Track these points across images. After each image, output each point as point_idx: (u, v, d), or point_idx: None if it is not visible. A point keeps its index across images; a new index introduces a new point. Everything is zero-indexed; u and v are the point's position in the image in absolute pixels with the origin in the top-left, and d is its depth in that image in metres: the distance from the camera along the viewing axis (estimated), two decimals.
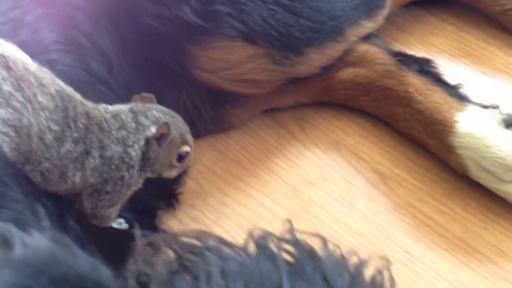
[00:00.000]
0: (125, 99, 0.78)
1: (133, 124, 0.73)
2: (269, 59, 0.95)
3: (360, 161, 0.98)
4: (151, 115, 0.74)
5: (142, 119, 0.73)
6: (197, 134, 1.00)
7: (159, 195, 0.93)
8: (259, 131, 1.03)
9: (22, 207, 0.63)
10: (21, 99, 0.64)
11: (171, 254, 0.54)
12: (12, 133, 0.63)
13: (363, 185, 0.96)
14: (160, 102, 0.95)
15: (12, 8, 0.83)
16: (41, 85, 0.67)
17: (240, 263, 0.53)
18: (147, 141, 0.73)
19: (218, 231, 0.92)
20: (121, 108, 0.75)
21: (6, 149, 0.62)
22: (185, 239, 0.56)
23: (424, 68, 0.99)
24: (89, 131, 0.69)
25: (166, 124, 0.73)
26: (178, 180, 0.95)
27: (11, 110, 0.63)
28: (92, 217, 0.75)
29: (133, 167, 0.73)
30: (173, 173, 0.78)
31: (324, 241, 0.60)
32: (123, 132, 0.72)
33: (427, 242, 0.91)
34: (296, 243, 0.59)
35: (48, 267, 0.48)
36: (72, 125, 0.67)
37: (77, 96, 0.71)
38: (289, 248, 0.58)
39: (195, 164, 0.99)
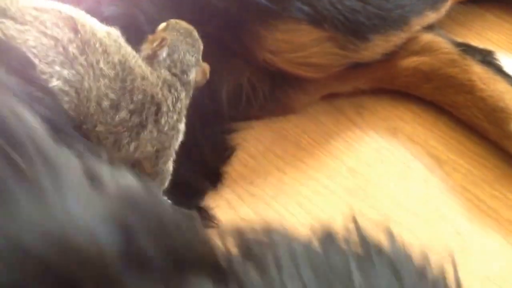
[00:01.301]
0: None
1: (184, 93, 0.77)
2: (334, 43, 0.99)
3: (416, 146, 1.02)
4: (186, 65, 0.78)
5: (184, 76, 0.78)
6: (257, 115, 1.06)
7: (203, 174, 0.97)
8: (318, 116, 1.07)
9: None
10: (84, 62, 0.65)
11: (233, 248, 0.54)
12: (73, 93, 0.64)
13: (419, 169, 0.99)
14: (219, 82, 1.00)
15: None
16: (105, 52, 0.68)
17: (308, 254, 0.52)
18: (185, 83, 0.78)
19: (276, 207, 0.96)
20: (167, 74, 0.76)
21: (65, 107, 0.64)
22: (249, 233, 0.54)
23: (487, 58, 1.02)
24: (144, 107, 0.70)
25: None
26: (223, 160, 1.00)
27: (74, 72, 0.64)
28: (155, 176, 0.75)
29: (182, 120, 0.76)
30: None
31: (391, 234, 0.58)
32: (178, 105, 0.75)
33: (479, 225, 0.93)
34: (362, 236, 0.58)
35: (141, 206, 0.49)
36: (128, 97, 0.69)
37: (139, 69, 0.72)
38: (355, 241, 0.57)
39: (255, 143, 1.04)
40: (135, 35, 0.80)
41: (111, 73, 0.67)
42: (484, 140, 1.01)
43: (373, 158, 1.01)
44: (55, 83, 0.63)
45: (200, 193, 0.94)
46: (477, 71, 1.01)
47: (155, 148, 0.73)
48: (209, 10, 0.96)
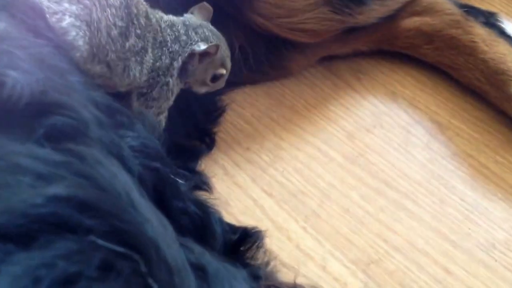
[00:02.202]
0: None
1: (184, 38, 0.76)
2: (329, 7, 0.95)
3: (417, 111, 0.98)
4: (201, 32, 0.78)
5: (192, 34, 0.77)
6: (252, 79, 1.02)
7: (195, 135, 0.95)
8: (315, 81, 1.03)
9: None
10: None
11: None
12: (84, 27, 0.66)
13: (420, 134, 0.96)
14: None
15: None
16: None
17: None
18: (191, 54, 0.76)
19: (273, 173, 0.92)
20: (175, 20, 0.78)
21: (80, 42, 0.66)
22: None
23: (490, 20, 0.99)
24: (147, 30, 0.73)
25: (216, 46, 0.76)
26: (213, 120, 0.97)
27: (81, 6, 0.66)
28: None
29: (174, 75, 0.76)
30: (202, 90, 0.81)
31: None
32: (176, 46, 0.76)
33: (483, 191, 0.90)
34: None
35: None
36: (135, 22, 0.71)
37: None
38: None
39: (251, 109, 1.00)
40: None
41: (116, 2, 0.69)
42: (487, 106, 0.98)
43: (372, 123, 0.97)
44: (68, 20, 0.65)
45: (195, 156, 0.90)
46: (480, 33, 0.98)
47: (146, 83, 0.75)
48: None
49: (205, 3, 0.82)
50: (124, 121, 0.64)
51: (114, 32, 0.69)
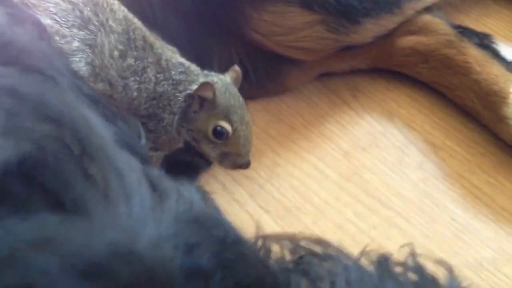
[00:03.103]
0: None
1: (192, 77, 0.79)
2: (324, 26, 0.97)
3: (412, 131, 1.01)
4: (210, 76, 0.80)
5: (202, 78, 0.79)
6: (251, 94, 1.04)
7: (194, 151, 0.95)
8: (312, 97, 1.06)
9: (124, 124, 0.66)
10: (96, 23, 0.74)
11: (285, 253, 0.54)
12: (89, 50, 0.72)
13: (414, 154, 0.98)
14: (212, 59, 0.99)
15: None
16: (112, 10, 0.76)
17: (363, 277, 0.53)
18: (190, 95, 0.77)
19: (270, 189, 0.95)
20: (190, 64, 0.80)
21: (83, 64, 0.72)
22: (303, 243, 0.56)
23: (484, 42, 1.02)
24: (146, 51, 0.77)
25: (210, 85, 0.76)
26: None
27: (88, 32, 0.73)
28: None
29: (175, 114, 0.78)
30: (209, 151, 0.80)
31: (449, 269, 0.57)
32: (181, 77, 0.78)
33: (474, 212, 0.92)
34: (418, 268, 0.57)
35: (205, 223, 0.50)
36: (132, 45, 0.76)
37: (137, 21, 0.79)
38: (412, 272, 0.56)
39: None
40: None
41: (119, 28, 0.75)
42: (480, 127, 1.00)
43: (367, 142, 1.00)
44: (76, 44, 0.71)
45: (195, 171, 0.92)
46: (474, 54, 1.00)
47: (145, 112, 0.78)
48: None
49: (236, 66, 0.84)
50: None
51: (115, 54, 0.74)
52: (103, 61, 0.73)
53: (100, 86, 0.74)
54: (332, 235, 0.90)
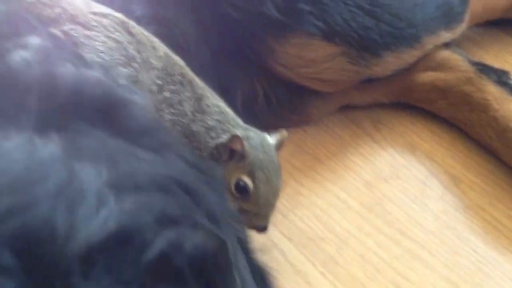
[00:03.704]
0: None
1: (228, 126, 0.79)
2: (346, 58, 1.00)
3: (434, 164, 1.02)
4: (248, 130, 0.80)
5: (239, 129, 0.80)
6: (275, 125, 1.06)
7: None
8: (335, 129, 1.08)
9: None
10: (139, 60, 0.76)
11: None
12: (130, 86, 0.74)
13: (436, 186, 1.00)
14: (235, 89, 1.01)
15: None
16: (154, 48, 0.78)
17: None
18: (221, 145, 0.78)
19: (293, 218, 0.96)
20: (229, 111, 0.82)
21: None
22: None
23: (503, 79, 1.03)
24: (183, 85, 0.79)
25: (238, 139, 0.77)
26: None
27: (131, 69, 0.75)
28: None
29: (203, 159, 0.79)
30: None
31: None
32: (217, 123, 0.79)
33: (494, 244, 0.94)
34: None
35: None
36: (170, 79, 0.78)
37: (177, 58, 0.81)
38: None
39: None
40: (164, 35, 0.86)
41: (159, 65, 0.77)
42: (500, 161, 1.01)
43: (389, 173, 1.01)
44: (122, 83, 0.72)
45: None
46: (492, 91, 1.02)
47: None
48: (227, 19, 0.98)
49: (285, 131, 0.85)
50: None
51: (154, 88, 0.76)
52: None
53: None
54: (355, 265, 0.92)
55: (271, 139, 0.82)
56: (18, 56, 0.58)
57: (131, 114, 0.60)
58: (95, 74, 0.63)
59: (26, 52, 0.59)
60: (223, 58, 1.00)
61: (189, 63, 0.92)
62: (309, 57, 0.99)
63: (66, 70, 0.59)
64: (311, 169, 1.02)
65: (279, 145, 0.83)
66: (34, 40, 0.62)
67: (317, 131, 1.07)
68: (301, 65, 1.00)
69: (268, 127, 1.05)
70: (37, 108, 0.53)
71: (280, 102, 1.05)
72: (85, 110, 0.57)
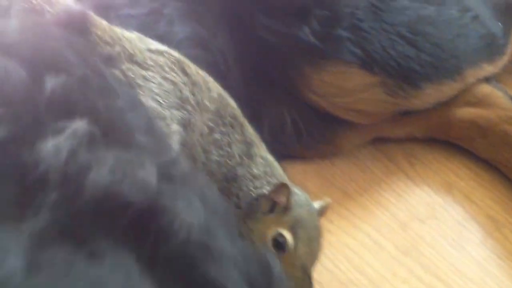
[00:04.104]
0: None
1: (272, 179, 0.74)
2: (384, 89, 0.93)
3: (472, 205, 0.95)
4: (293, 188, 0.74)
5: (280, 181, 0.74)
6: (303, 155, 1.00)
7: None
8: (366, 162, 1.01)
9: None
10: (193, 102, 0.72)
11: None
12: (182, 130, 0.70)
13: (475, 230, 0.93)
14: (263, 115, 0.95)
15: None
16: (208, 89, 0.74)
17: None
18: (261, 196, 0.73)
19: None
20: (273, 162, 0.77)
21: (176, 145, 0.68)
22: None
23: None
24: (234, 128, 0.75)
25: (286, 188, 0.71)
26: None
27: (185, 112, 0.71)
28: None
29: (239, 207, 0.73)
30: None
31: None
32: (263, 174, 0.74)
33: None
34: None
35: None
36: (221, 122, 0.74)
37: (231, 99, 0.77)
38: None
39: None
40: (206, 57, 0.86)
41: (212, 106, 0.73)
42: None
43: (425, 213, 0.94)
44: (174, 127, 0.69)
45: None
46: None
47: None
48: (261, 42, 0.92)
49: (329, 199, 0.79)
50: None
51: (205, 130, 0.72)
52: (192, 139, 0.71)
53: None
54: None
55: (315, 203, 0.77)
56: (51, 144, 0.49)
57: (170, 233, 0.52)
58: (139, 176, 0.52)
59: (61, 139, 0.49)
60: (253, 82, 0.94)
61: (228, 83, 0.88)
62: (346, 86, 0.92)
63: (99, 174, 0.49)
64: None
65: (322, 212, 0.78)
66: (77, 125, 0.51)
67: (346, 164, 1.01)
68: (337, 94, 0.93)
69: (295, 157, 1.00)
70: (49, 211, 0.45)
71: (309, 131, 0.98)
72: (112, 224, 0.48)
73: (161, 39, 0.81)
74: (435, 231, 0.92)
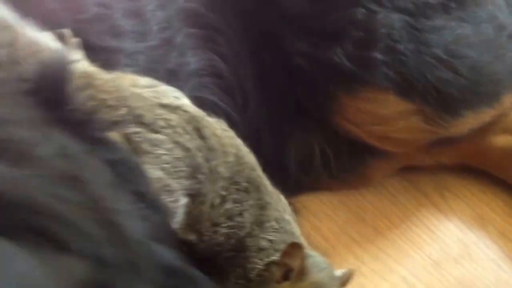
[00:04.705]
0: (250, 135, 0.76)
1: (281, 246, 0.68)
2: (422, 117, 0.89)
3: (508, 244, 0.92)
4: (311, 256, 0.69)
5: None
6: (331, 185, 0.96)
7: None
8: (397, 195, 0.97)
9: None
10: (206, 170, 0.66)
11: None
12: (190, 201, 0.65)
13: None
14: (289, 146, 0.92)
15: (164, 28, 0.82)
16: (224, 153, 0.68)
17: None
18: (277, 263, 0.67)
19: None
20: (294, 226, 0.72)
21: (180, 218, 0.63)
22: None
23: None
24: (249, 193, 0.68)
25: (299, 248, 0.66)
26: None
27: (196, 181, 0.65)
28: None
29: (246, 278, 0.68)
30: None
31: None
32: (269, 244, 0.68)
33: None
34: None
35: None
36: (234, 188, 0.68)
37: (249, 157, 0.71)
38: None
39: (327, 222, 0.95)
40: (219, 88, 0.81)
41: (227, 173, 0.67)
42: None
43: (460, 252, 0.91)
44: (182, 201, 0.64)
45: None
46: None
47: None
48: (289, 66, 0.88)
49: (353, 270, 0.73)
50: None
51: (217, 201, 0.66)
52: (201, 211, 0.65)
53: (189, 237, 0.66)
54: None
55: (337, 272, 0.71)
56: None
57: None
58: None
59: None
60: (277, 111, 0.90)
61: (242, 117, 0.84)
62: (382, 114, 0.88)
63: None
64: (373, 244, 0.92)
65: (344, 282, 0.71)
66: None
67: (376, 196, 0.97)
68: (371, 122, 0.89)
69: (322, 189, 0.96)
70: None
71: (338, 162, 0.94)
72: None
73: (172, 73, 0.77)
74: (471, 272, 0.89)
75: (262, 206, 0.69)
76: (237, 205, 0.67)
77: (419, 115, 0.89)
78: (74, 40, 0.68)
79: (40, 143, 0.52)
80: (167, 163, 0.63)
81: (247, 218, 0.67)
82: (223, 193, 0.67)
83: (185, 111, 0.67)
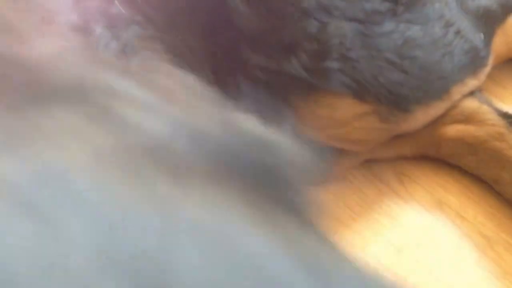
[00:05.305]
0: None
1: None
2: (377, 116, 0.94)
3: (465, 223, 0.97)
4: None
5: None
6: None
7: None
8: (360, 186, 1.02)
9: None
10: None
11: None
12: None
13: (470, 250, 0.95)
14: None
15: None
16: None
17: None
18: None
19: None
20: None
21: None
22: None
23: None
24: None
25: None
26: None
27: None
28: None
29: None
30: None
31: None
32: None
33: None
34: None
35: None
36: None
37: None
38: None
39: None
40: None
41: None
42: None
43: (421, 236, 0.96)
44: None
45: None
46: None
47: None
48: (250, 80, 0.91)
49: None
50: None
51: None
52: None
53: None
54: None
55: None
56: None
57: None
58: None
59: None
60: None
61: None
62: (339, 117, 0.92)
63: None
64: (336, 234, 0.96)
65: None
66: None
67: (339, 188, 1.01)
68: (331, 126, 0.93)
69: None
70: None
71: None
72: None
73: None
74: (432, 254, 0.94)
75: None
76: None
77: (374, 115, 0.93)
78: None
79: None
80: None
81: None
82: None
83: None
